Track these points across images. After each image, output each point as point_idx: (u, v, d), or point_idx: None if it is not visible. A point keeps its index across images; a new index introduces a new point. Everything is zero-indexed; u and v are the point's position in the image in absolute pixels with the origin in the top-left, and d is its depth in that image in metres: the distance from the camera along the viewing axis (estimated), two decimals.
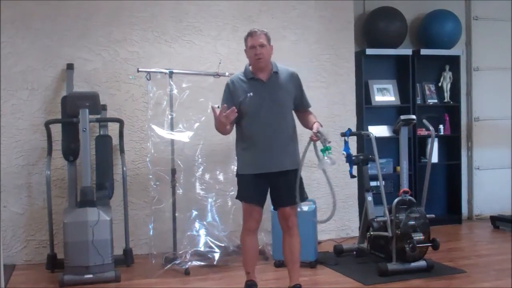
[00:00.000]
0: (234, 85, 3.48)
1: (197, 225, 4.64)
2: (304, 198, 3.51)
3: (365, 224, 4.63)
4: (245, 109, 3.42)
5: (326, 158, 3.27)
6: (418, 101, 6.07)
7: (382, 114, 5.99)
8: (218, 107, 3.45)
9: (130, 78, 4.89)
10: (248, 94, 3.42)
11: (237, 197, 3.55)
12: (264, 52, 3.41)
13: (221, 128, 3.36)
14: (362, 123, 5.72)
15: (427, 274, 4.09)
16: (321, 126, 3.40)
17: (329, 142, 3.29)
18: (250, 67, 3.51)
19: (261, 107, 3.41)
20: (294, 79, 3.54)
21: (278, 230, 3.74)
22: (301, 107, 3.60)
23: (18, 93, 4.69)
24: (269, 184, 3.47)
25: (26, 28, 4.69)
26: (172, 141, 4.47)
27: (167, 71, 4.47)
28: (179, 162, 4.51)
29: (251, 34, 3.44)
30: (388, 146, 5.79)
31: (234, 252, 4.49)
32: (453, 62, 6.20)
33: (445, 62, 6.19)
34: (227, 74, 4.48)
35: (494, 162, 6.41)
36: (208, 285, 4.04)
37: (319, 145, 3.36)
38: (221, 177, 4.72)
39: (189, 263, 4.34)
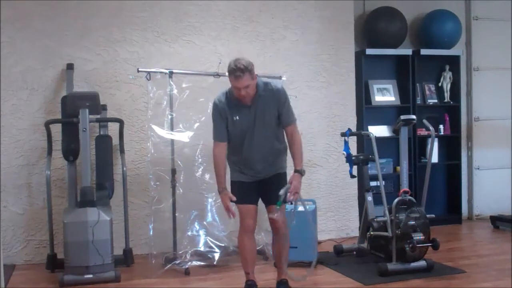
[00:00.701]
0: (222, 104, 3.47)
1: (197, 225, 4.64)
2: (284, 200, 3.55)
3: (365, 224, 4.63)
4: (233, 132, 3.48)
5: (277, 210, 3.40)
6: (418, 101, 6.07)
7: (382, 114, 5.99)
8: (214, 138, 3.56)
9: (130, 78, 4.89)
10: (234, 118, 3.43)
11: (231, 201, 3.59)
12: (249, 91, 3.33)
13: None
14: (362, 123, 5.72)
15: (427, 274, 4.08)
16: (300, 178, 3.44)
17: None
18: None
19: (247, 130, 3.44)
20: (276, 97, 3.43)
21: None
22: (282, 123, 3.50)
23: (18, 93, 4.68)
24: (261, 185, 3.56)
25: (26, 28, 4.69)
26: (172, 141, 4.47)
27: (167, 71, 4.46)
28: (179, 162, 4.51)
29: (234, 76, 3.26)
30: (388, 146, 5.79)
31: (234, 252, 4.49)
32: (453, 62, 6.20)
33: (445, 62, 6.19)
34: (227, 74, 4.47)
35: (494, 162, 6.41)
36: (208, 285, 4.04)
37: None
38: None
39: (189, 263, 4.34)
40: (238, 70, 3.24)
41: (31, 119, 4.70)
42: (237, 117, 3.42)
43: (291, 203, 3.60)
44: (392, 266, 4.07)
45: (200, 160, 4.70)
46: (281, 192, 3.36)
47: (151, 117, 4.51)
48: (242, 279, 3.66)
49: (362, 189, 4.82)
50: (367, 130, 5.67)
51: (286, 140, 3.58)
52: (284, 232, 3.62)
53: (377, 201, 4.64)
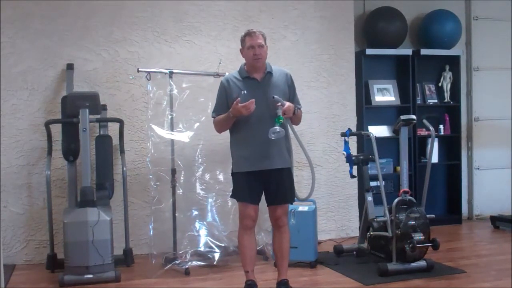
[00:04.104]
0: (229, 84, 3.56)
1: (197, 225, 4.64)
2: (292, 199, 3.65)
3: (365, 224, 4.63)
4: None
5: (276, 127, 3.35)
6: (418, 101, 6.07)
7: (382, 114, 5.99)
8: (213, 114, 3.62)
9: (130, 78, 4.89)
10: (242, 92, 3.48)
11: (231, 196, 3.64)
12: (262, 52, 3.50)
13: (229, 121, 3.47)
14: (362, 123, 5.72)
15: (427, 274, 4.08)
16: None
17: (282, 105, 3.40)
18: (245, 67, 3.59)
19: (254, 105, 3.44)
20: (288, 79, 3.63)
21: None
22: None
23: (18, 93, 4.69)
24: (263, 182, 3.52)
25: (26, 28, 4.69)
26: (172, 141, 4.47)
27: (167, 71, 4.47)
28: (179, 162, 4.51)
29: (249, 34, 3.51)
30: (388, 146, 5.79)
31: (234, 252, 4.48)
32: (453, 62, 6.20)
33: (445, 62, 6.19)
34: (227, 74, 4.47)
35: (494, 162, 6.41)
36: (208, 285, 4.04)
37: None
38: (221, 177, 4.72)
39: (189, 263, 4.34)
40: (253, 31, 3.54)
41: (31, 119, 4.70)
42: (245, 91, 3.48)
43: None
44: (392, 266, 4.07)
45: (200, 160, 4.71)
46: (276, 97, 3.41)
47: (151, 117, 4.51)
48: (242, 279, 3.66)
49: (362, 189, 4.81)
50: (367, 130, 5.67)
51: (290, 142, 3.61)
52: (285, 228, 3.63)
53: (377, 201, 4.64)
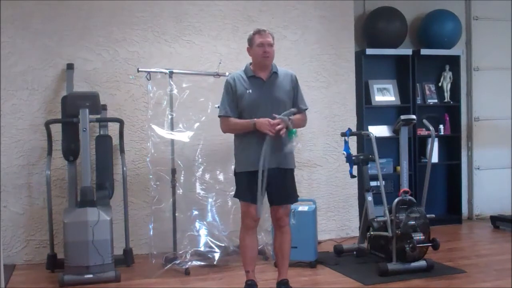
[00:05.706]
0: (234, 82, 3.55)
1: (197, 225, 4.64)
2: (294, 200, 3.64)
3: (365, 224, 4.63)
4: (244, 105, 3.49)
5: (293, 141, 3.38)
6: (418, 101, 6.07)
7: (382, 114, 5.99)
8: (217, 107, 3.53)
9: (130, 78, 4.89)
10: (247, 91, 3.49)
11: (235, 196, 3.63)
12: (271, 51, 3.51)
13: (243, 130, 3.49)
14: (362, 123, 5.72)
15: (427, 274, 4.08)
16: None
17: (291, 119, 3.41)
18: (251, 66, 3.58)
19: (259, 104, 3.47)
20: (293, 80, 3.63)
21: None
22: (296, 108, 3.59)
23: (18, 93, 4.69)
24: (268, 180, 3.49)
25: (26, 28, 4.69)
26: (172, 141, 4.47)
27: (167, 71, 4.47)
28: (179, 162, 4.51)
29: (259, 32, 3.52)
30: (388, 146, 5.79)
31: (234, 252, 4.49)
32: (453, 62, 6.20)
33: (445, 62, 6.19)
34: (227, 74, 4.48)
35: (494, 162, 6.41)
36: (208, 285, 4.04)
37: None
38: (221, 177, 4.72)
39: (189, 263, 4.34)
40: (263, 29, 3.54)
41: (31, 119, 4.70)
42: (250, 90, 3.49)
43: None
44: (392, 266, 4.07)
45: (200, 160, 4.71)
46: (279, 116, 3.38)
47: (151, 117, 4.51)
48: (242, 279, 3.66)
49: (362, 189, 4.82)
50: (367, 130, 5.67)
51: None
52: (287, 229, 3.63)
53: (377, 201, 4.65)
